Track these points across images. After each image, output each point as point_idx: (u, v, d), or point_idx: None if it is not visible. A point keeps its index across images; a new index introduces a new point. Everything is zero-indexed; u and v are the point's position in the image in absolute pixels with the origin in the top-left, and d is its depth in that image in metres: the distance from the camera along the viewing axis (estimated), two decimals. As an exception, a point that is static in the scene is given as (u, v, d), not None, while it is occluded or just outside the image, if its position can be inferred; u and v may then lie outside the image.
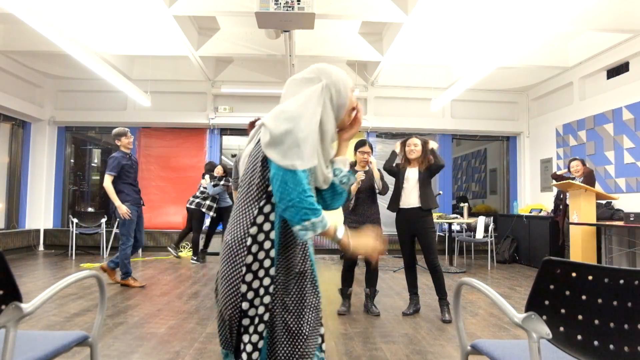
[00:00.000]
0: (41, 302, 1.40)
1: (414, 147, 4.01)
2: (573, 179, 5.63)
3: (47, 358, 1.49)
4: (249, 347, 1.33)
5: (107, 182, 4.91)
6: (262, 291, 1.35)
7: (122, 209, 4.85)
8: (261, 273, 1.35)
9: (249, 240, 1.35)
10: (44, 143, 8.45)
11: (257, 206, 1.38)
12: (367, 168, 4.05)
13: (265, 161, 1.37)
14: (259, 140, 1.44)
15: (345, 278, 4.06)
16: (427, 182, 3.98)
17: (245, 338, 1.33)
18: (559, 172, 6.43)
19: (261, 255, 1.35)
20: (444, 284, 3.85)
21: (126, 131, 5.14)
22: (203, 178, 7.26)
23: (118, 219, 5.06)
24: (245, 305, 1.33)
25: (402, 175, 4.06)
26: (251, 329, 1.34)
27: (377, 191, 4.07)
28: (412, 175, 4.02)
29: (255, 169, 1.40)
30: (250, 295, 1.34)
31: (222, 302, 1.38)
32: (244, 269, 1.34)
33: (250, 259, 1.35)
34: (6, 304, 1.34)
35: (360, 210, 4.00)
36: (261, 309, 1.35)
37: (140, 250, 7.56)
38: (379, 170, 4.09)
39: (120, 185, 4.97)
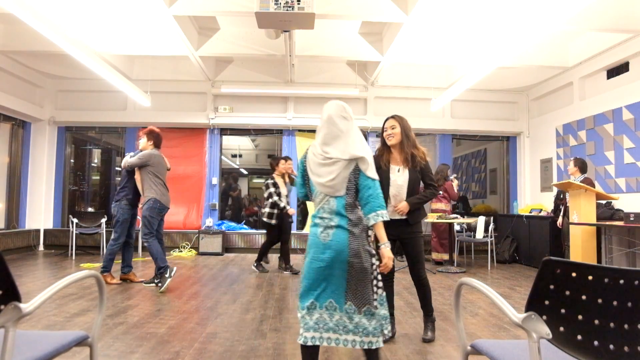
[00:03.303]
0: (40, 302, 1.40)
1: (391, 129, 3.22)
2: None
3: (46, 358, 1.49)
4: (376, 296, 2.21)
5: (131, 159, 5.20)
6: (374, 260, 2.24)
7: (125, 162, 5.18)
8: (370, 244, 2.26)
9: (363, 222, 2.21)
10: (44, 143, 8.46)
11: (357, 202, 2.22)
12: None
13: (357, 174, 2.20)
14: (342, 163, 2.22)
15: None
16: (417, 187, 3.26)
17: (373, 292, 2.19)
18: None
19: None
20: (431, 299, 3.30)
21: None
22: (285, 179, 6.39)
23: (114, 216, 5.22)
24: (374, 267, 2.23)
25: (384, 176, 3.17)
26: (374, 287, 2.20)
27: None
28: (399, 177, 3.21)
29: (350, 180, 2.20)
30: (373, 260, 2.23)
31: (361, 270, 2.14)
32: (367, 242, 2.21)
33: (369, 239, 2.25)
34: (5, 304, 1.34)
35: None
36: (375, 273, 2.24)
37: (140, 250, 7.59)
38: None
39: (130, 182, 5.21)
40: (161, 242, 5.14)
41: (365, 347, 2.11)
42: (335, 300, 2.13)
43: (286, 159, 6.33)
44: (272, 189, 6.05)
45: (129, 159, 5.14)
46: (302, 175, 2.35)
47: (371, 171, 2.20)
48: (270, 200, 6.04)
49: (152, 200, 4.96)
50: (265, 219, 6.09)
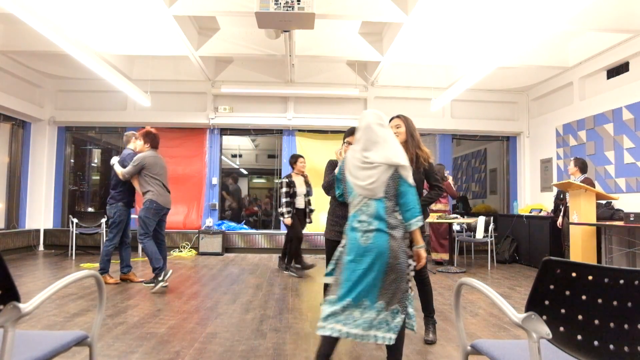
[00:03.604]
0: (39, 302, 1.40)
1: (396, 129, 3.15)
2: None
3: (46, 358, 1.48)
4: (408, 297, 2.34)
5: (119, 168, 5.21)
6: (411, 260, 2.38)
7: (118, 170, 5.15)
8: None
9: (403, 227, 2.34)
10: (44, 143, 8.46)
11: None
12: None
13: (397, 180, 2.33)
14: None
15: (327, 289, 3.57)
16: (421, 189, 3.20)
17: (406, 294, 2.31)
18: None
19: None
20: (432, 300, 3.30)
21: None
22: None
23: (111, 218, 5.25)
24: (410, 268, 2.36)
25: None
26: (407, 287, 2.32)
27: None
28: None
29: (389, 184, 2.32)
30: (410, 261, 2.37)
31: (398, 271, 2.25)
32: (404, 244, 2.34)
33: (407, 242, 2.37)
34: (4, 304, 1.34)
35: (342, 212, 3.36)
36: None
37: (140, 251, 7.58)
38: None
39: (125, 183, 5.20)
40: (163, 243, 5.09)
41: (386, 342, 2.21)
42: (369, 299, 2.23)
43: (299, 157, 6.27)
44: (284, 189, 5.96)
45: (123, 169, 5.01)
46: (339, 177, 2.63)
47: (411, 178, 2.36)
48: (283, 199, 5.95)
49: (149, 201, 4.91)
50: (284, 218, 5.97)
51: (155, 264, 4.78)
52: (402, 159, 2.35)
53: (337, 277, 2.34)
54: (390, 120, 3.25)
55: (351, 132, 3.32)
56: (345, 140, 3.39)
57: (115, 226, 5.18)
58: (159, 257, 4.81)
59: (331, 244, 3.32)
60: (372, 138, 2.39)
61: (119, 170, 5.12)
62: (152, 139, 5.18)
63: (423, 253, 2.48)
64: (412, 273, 2.40)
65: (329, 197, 3.45)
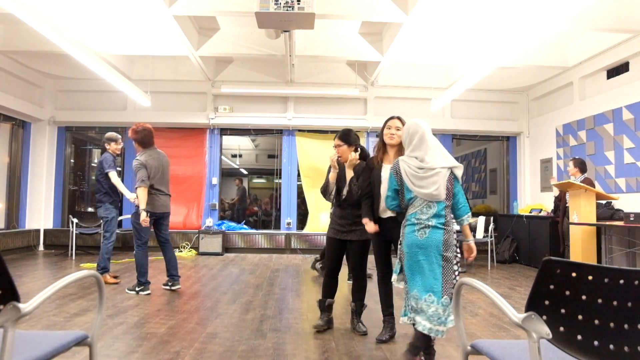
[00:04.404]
0: (39, 302, 1.40)
1: (396, 130, 3.12)
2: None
3: (46, 358, 1.48)
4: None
5: (115, 178, 5.29)
6: (457, 251, 2.65)
7: (132, 198, 5.07)
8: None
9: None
10: (44, 143, 8.46)
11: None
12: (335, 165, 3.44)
13: (452, 182, 2.64)
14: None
15: (325, 286, 3.54)
16: None
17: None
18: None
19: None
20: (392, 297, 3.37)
21: (118, 137, 5.50)
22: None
23: (102, 217, 5.34)
24: (457, 259, 2.62)
25: (377, 174, 3.18)
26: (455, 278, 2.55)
27: (342, 196, 3.40)
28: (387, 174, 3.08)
29: (447, 187, 2.61)
30: (457, 252, 2.64)
31: (448, 262, 2.53)
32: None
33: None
34: (4, 304, 1.34)
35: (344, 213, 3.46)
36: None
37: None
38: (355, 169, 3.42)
39: (105, 184, 5.28)
40: (166, 244, 4.87)
41: (439, 335, 2.44)
42: (435, 294, 2.48)
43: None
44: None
45: (138, 184, 4.58)
46: (394, 188, 2.71)
47: (460, 177, 2.69)
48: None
49: (137, 206, 4.64)
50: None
51: (140, 277, 4.64)
52: (454, 160, 2.66)
53: (404, 274, 2.62)
54: (389, 119, 3.26)
55: (342, 137, 3.45)
56: (335, 145, 3.51)
57: (108, 223, 5.26)
58: (145, 271, 4.65)
59: (330, 241, 3.56)
60: (426, 146, 2.61)
61: (116, 181, 5.26)
62: (141, 138, 4.73)
63: (474, 246, 2.75)
64: (457, 267, 2.61)
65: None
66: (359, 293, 3.47)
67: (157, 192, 4.74)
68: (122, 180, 5.71)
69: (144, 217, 4.47)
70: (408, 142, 2.69)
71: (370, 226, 3.10)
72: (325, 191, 3.50)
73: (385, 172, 3.09)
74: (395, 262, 2.77)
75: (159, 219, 4.81)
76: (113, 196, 5.38)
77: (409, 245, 2.54)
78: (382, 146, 3.24)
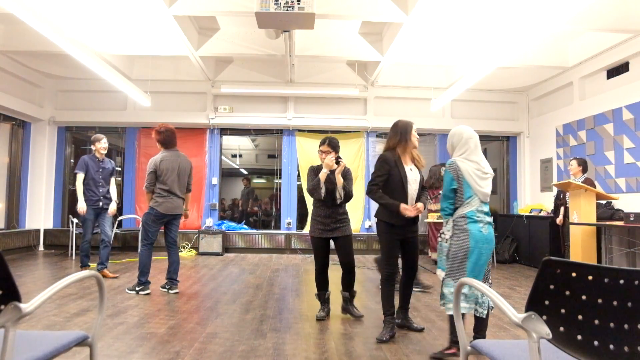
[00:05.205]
0: (40, 302, 1.40)
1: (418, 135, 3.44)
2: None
3: (46, 358, 1.48)
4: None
5: (79, 181, 5.52)
6: None
7: (82, 208, 5.46)
8: None
9: None
10: (44, 143, 8.46)
11: None
12: (335, 167, 3.64)
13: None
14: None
15: (319, 282, 3.84)
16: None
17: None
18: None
19: None
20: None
21: (100, 138, 5.62)
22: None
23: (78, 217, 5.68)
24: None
25: (400, 174, 3.25)
26: None
27: (338, 200, 3.70)
28: (413, 176, 3.33)
29: None
30: None
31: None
32: None
33: None
34: (5, 304, 1.34)
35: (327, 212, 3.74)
36: None
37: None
38: (344, 175, 3.69)
39: (84, 185, 5.49)
40: (172, 247, 4.85)
41: (484, 315, 2.78)
42: (482, 276, 2.80)
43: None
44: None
45: (146, 185, 4.76)
46: (453, 188, 2.84)
47: None
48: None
49: (149, 207, 4.75)
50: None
51: (141, 276, 4.65)
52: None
53: (452, 266, 2.79)
54: (411, 125, 3.43)
55: (322, 142, 3.77)
56: (319, 149, 3.78)
57: (83, 224, 5.61)
58: (146, 271, 4.67)
59: (317, 241, 3.78)
60: (480, 152, 2.90)
61: (78, 184, 5.47)
62: (163, 138, 4.82)
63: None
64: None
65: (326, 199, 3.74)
66: (350, 282, 3.82)
67: (168, 193, 4.73)
68: (122, 180, 5.78)
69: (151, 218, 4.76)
70: (461, 145, 2.88)
71: (409, 210, 3.21)
72: (315, 190, 3.69)
73: (408, 172, 3.29)
74: (440, 258, 2.93)
75: (170, 220, 4.84)
76: (88, 194, 5.50)
77: (477, 241, 2.77)
78: (393, 148, 3.35)
